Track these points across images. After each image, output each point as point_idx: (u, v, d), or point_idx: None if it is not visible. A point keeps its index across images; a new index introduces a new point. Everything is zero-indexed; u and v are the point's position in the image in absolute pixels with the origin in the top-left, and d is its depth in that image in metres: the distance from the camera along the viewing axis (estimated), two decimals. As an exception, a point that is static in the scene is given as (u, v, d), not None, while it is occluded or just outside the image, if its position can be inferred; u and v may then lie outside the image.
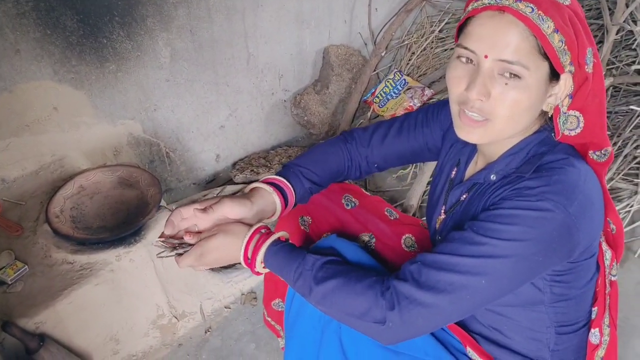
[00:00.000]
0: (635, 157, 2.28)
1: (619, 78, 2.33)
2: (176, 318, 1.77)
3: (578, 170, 0.97)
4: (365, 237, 1.39)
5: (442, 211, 1.20)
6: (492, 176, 1.05)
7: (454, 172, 1.21)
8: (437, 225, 1.21)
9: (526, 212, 0.91)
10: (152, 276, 1.65)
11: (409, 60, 2.49)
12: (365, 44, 2.48)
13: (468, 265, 0.92)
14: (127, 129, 1.98)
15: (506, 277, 0.93)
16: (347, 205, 1.40)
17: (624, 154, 2.27)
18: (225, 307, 1.87)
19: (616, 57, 2.49)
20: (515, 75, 0.92)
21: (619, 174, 2.23)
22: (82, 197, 1.72)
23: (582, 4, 2.78)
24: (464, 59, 0.96)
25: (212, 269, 1.86)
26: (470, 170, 1.17)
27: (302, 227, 1.36)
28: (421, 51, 2.49)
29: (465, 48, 0.95)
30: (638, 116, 2.32)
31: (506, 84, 0.92)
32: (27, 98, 1.70)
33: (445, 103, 1.27)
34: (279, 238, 1.07)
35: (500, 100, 0.93)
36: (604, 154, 1.04)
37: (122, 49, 1.82)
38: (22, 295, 1.49)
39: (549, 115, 1.02)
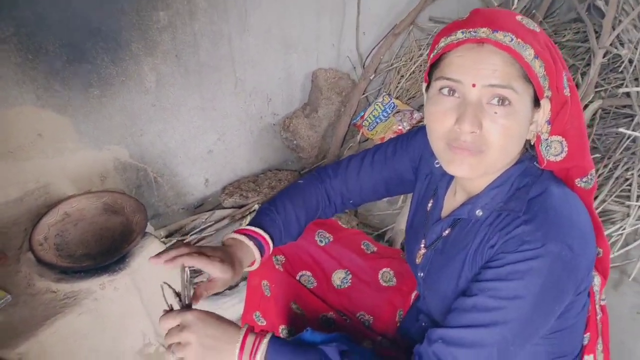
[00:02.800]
0: (626, 179, 2.28)
1: (608, 100, 2.34)
2: (164, 346, 1.72)
3: (567, 202, 0.97)
4: (341, 274, 1.36)
5: (422, 246, 1.17)
6: (477, 212, 1.02)
7: (430, 204, 1.18)
8: (418, 260, 1.18)
9: (537, 262, 0.88)
10: (137, 304, 1.61)
11: (398, 83, 2.49)
12: (354, 68, 2.48)
13: (493, 335, 0.90)
14: (113, 154, 1.96)
15: (530, 333, 0.93)
16: (321, 242, 1.37)
17: (615, 176, 2.27)
18: (213, 336, 1.82)
19: (604, 79, 2.50)
20: (504, 101, 0.90)
21: (610, 196, 2.22)
22: (66, 224, 1.69)
23: (569, 28, 2.81)
24: (446, 91, 0.94)
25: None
26: (449, 203, 1.14)
27: (277, 266, 1.33)
28: (410, 74, 2.49)
29: (449, 79, 0.92)
30: (627, 138, 2.32)
31: (495, 112, 0.90)
32: (9, 124, 1.68)
33: (414, 134, 1.25)
34: (273, 334, 0.99)
35: (493, 129, 0.91)
36: (591, 179, 1.04)
37: (107, 74, 1.80)
38: (4, 325, 1.44)
39: (531, 143, 1.00)
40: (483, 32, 0.90)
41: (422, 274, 1.17)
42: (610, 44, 2.29)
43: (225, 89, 2.11)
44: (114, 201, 1.76)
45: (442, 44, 0.95)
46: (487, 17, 0.92)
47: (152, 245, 1.63)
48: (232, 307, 1.85)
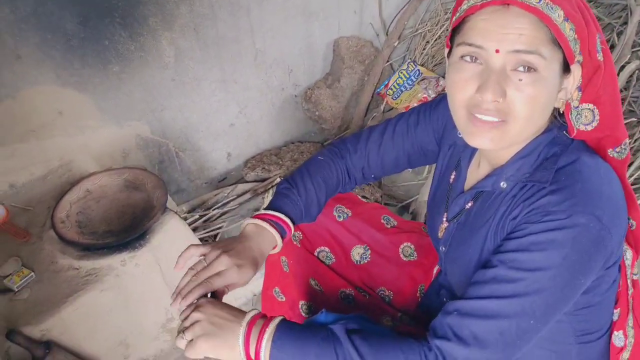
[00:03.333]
0: (663, 144, 2.16)
1: (646, 60, 2.21)
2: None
3: (598, 172, 0.90)
4: (360, 250, 1.33)
5: (445, 219, 1.12)
6: (502, 184, 0.96)
7: (452, 176, 1.13)
8: (440, 234, 1.13)
9: (561, 233, 0.83)
10: (159, 280, 1.63)
11: (423, 49, 2.41)
12: (377, 35, 2.41)
13: (513, 306, 0.85)
14: (135, 130, 1.97)
15: (553, 307, 0.87)
16: (339, 217, 1.33)
17: (653, 141, 2.16)
18: (237, 309, 1.84)
19: (643, 38, 2.36)
20: (530, 69, 0.84)
21: (646, 162, 2.11)
22: (88, 201, 1.71)
23: (605, -16, 2.65)
24: (468, 58, 0.87)
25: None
26: (473, 175, 1.08)
27: (295, 243, 1.31)
28: (435, 39, 2.40)
29: (471, 45, 0.86)
30: (667, 100, 2.20)
31: (520, 80, 0.84)
32: (30, 104, 1.70)
33: (437, 103, 1.18)
34: (283, 317, 0.96)
35: (518, 98, 0.84)
36: (624, 149, 0.97)
37: (125, 50, 1.79)
38: (28, 302, 1.48)
39: (560, 112, 0.94)
40: None
41: (444, 248, 1.13)
42: (650, 1, 2.15)
43: (245, 61, 2.08)
44: (135, 177, 1.77)
45: (464, 6, 0.88)
46: None
47: (172, 221, 1.64)
48: (255, 280, 1.85)
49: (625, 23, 2.25)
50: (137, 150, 2.00)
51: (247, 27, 2.02)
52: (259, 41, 2.08)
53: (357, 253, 1.33)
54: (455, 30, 0.91)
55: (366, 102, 2.33)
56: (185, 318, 0.94)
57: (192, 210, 2.05)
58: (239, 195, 2.09)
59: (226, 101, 2.13)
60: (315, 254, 1.35)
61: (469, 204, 1.05)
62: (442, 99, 1.18)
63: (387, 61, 2.36)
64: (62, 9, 1.61)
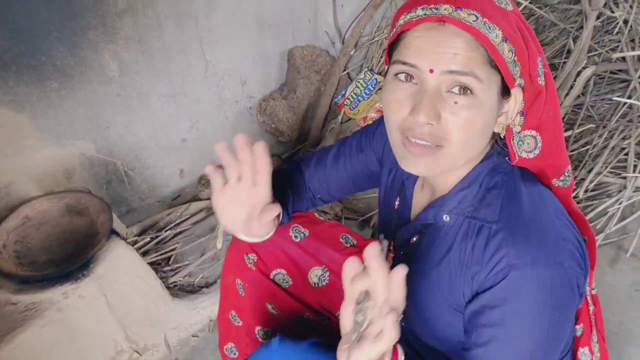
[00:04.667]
0: (622, 149, 2.17)
1: (602, 66, 2.21)
2: (138, 353, 1.65)
3: (546, 209, 0.87)
4: (318, 271, 1.26)
5: (391, 248, 1.08)
6: (445, 217, 0.92)
7: (397, 203, 1.08)
8: (389, 263, 1.09)
9: (535, 293, 0.80)
10: (105, 311, 1.52)
11: (381, 57, 2.36)
12: (333, 43, 2.35)
13: None
14: (78, 149, 1.85)
15: (552, 353, 0.87)
16: (296, 237, 1.26)
17: (610, 145, 2.17)
18: (193, 336, 1.75)
19: (598, 43, 2.37)
20: (466, 90, 0.79)
21: (606, 167, 2.12)
22: (27, 228, 1.59)
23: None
24: (402, 77, 0.82)
25: (177, 295, 1.74)
26: (417, 200, 1.04)
27: (249, 265, 1.24)
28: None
29: (405, 63, 0.81)
30: (623, 105, 2.20)
31: (456, 102, 0.79)
32: (-40, 125, 1.57)
33: (377, 124, 1.14)
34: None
35: (452, 122, 0.80)
36: (568, 177, 0.94)
37: (64, 65, 1.68)
38: (-41, 343, 1.36)
39: (501, 136, 0.89)
40: (445, 9, 0.78)
41: None
42: (604, 5, 2.15)
43: (195, 73, 1.99)
44: (78, 201, 1.66)
45: (401, 21, 0.83)
46: None
47: (118, 248, 1.54)
48: (211, 305, 1.76)
49: (581, 28, 2.25)
50: (82, 171, 1.89)
51: (195, 38, 1.93)
52: (208, 52, 1.99)
53: (315, 275, 1.27)
54: (392, 46, 0.86)
55: (323, 113, 2.27)
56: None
57: (143, 232, 1.95)
58: (192, 215, 2.00)
59: (176, 115, 2.03)
60: (271, 276, 1.27)
61: (414, 238, 1.00)
62: (378, 121, 1.15)
63: (344, 70, 2.30)
64: (-9, 23, 1.50)
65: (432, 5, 0.80)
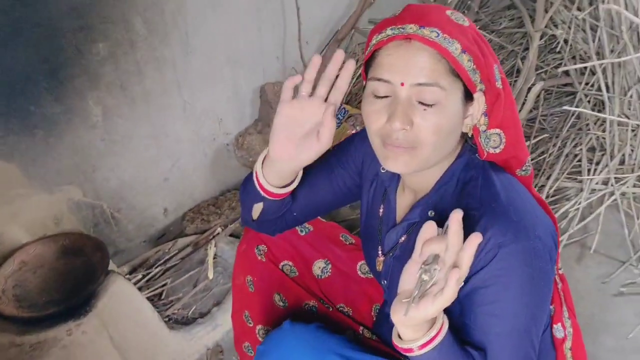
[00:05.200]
0: (576, 155, 2.35)
1: (549, 81, 2.42)
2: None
3: (519, 193, 1.00)
4: (321, 264, 1.36)
5: (380, 253, 1.18)
6: (430, 212, 1.03)
7: (381, 210, 1.19)
8: (379, 267, 1.19)
9: (520, 265, 0.92)
10: (108, 346, 1.56)
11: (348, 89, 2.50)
12: (301, 78, 2.48)
13: (514, 335, 0.95)
14: (66, 195, 1.91)
15: (539, 318, 0.98)
16: (302, 231, 1.37)
17: (564, 153, 2.34)
18: (192, 366, 1.79)
19: (543, 61, 2.58)
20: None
21: (563, 173, 2.29)
22: (24, 273, 1.63)
23: (504, 15, 2.88)
24: (379, 92, 0.95)
25: (173, 327, 1.78)
26: (401, 203, 1.15)
27: (259, 257, 1.33)
28: (357, 78, 2.51)
29: (379, 80, 0.94)
30: (572, 116, 2.40)
31: (425, 109, 0.92)
32: (-48, 177, 1.62)
33: (350, 141, 1.26)
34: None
35: (423, 127, 0.93)
36: (528, 167, 1.08)
37: (51, 113, 1.75)
38: (-32, 388, 1.39)
39: (469, 136, 1.03)
40: (410, 28, 0.92)
41: (385, 282, 1.18)
42: (545, 26, 2.36)
43: (174, 114, 2.09)
44: (72, 242, 1.71)
45: (373, 41, 0.97)
46: (416, 13, 0.94)
47: (116, 283, 1.59)
48: (207, 334, 1.82)
49: (527, 49, 2.45)
50: (70, 215, 1.94)
51: (173, 81, 2.03)
52: (186, 93, 2.09)
53: (319, 267, 1.37)
54: (368, 64, 0.99)
55: (297, 144, 2.38)
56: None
57: (133, 271, 2.00)
58: (180, 250, 2.06)
59: (158, 156, 2.11)
60: (280, 266, 1.37)
61: (403, 238, 1.10)
62: (353, 136, 1.27)
63: (313, 102, 2.42)
64: (-19, 77, 1.57)
65: (400, 26, 0.93)
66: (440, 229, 0.88)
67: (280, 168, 1.08)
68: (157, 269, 1.98)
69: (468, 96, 0.97)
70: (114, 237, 2.10)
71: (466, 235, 0.95)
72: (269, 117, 2.34)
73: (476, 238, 0.82)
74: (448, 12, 0.96)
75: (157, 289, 1.93)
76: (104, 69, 1.83)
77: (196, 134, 2.20)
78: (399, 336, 0.91)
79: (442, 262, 0.83)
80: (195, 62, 2.07)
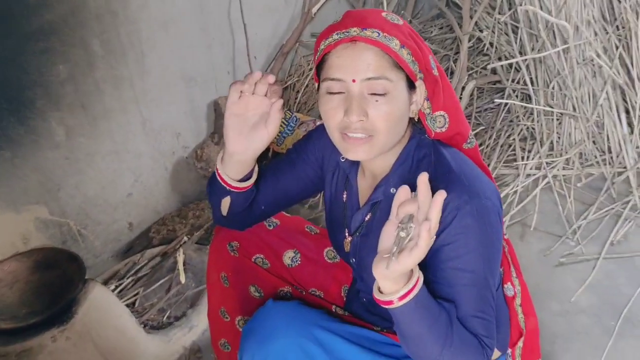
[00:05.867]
0: (510, 145, 2.57)
1: (480, 79, 2.64)
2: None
3: (465, 162, 1.14)
4: (291, 253, 1.47)
5: (347, 234, 1.29)
6: (392, 190, 1.15)
7: (344, 195, 1.30)
8: (347, 248, 1.30)
9: (474, 220, 1.04)
10: (91, 349, 1.61)
11: (296, 98, 2.66)
12: (252, 91, 2.61)
13: (475, 290, 1.07)
14: (33, 214, 1.95)
15: (493, 269, 1.11)
16: (269, 225, 1.47)
17: (500, 144, 2.56)
18: (171, 367, 1.85)
19: (473, 62, 2.81)
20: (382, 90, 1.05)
21: (500, 162, 2.49)
22: (1, 288, 1.66)
23: (434, 24, 3.12)
24: (333, 90, 1.07)
25: (150, 330, 1.85)
26: (362, 187, 1.27)
27: (232, 254, 1.43)
28: (304, 88, 2.66)
29: (333, 79, 1.07)
30: (503, 110, 2.62)
31: (377, 100, 1.05)
32: None
33: (308, 137, 1.38)
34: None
35: (377, 116, 1.05)
36: (472, 140, 1.23)
37: (15, 134, 1.81)
38: (-44, 402, 1.41)
39: (416, 120, 1.17)
40: (354, 31, 1.04)
41: (354, 259, 1.29)
42: (472, 30, 2.59)
43: (135, 131, 2.17)
44: (45, 257, 1.75)
45: (322, 46, 1.09)
46: (356, 17, 1.07)
47: (95, 289, 1.65)
48: (183, 336, 1.89)
49: (458, 52, 2.67)
50: (38, 234, 1.98)
51: (132, 98, 2.12)
52: (145, 110, 2.18)
53: (289, 257, 1.46)
54: (319, 67, 1.12)
55: (254, 153, 2.50)
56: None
57: (105, 283, 2.04)
58: (149, 260, 2.12)
59: (121, 171, 2.18)
60: (253, 260, 1.46)
61: (368, 216, 1.23)
62: (311, 133, 1.38)
63: (266, 113, 2.56)
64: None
65: (344, 30, 1.06)
66: (414, 192, 1.00)
67: (238, 160, 1.21)
68: (129, 280, 2.04)
69: (411, 85, 1.10)
70: (81, 253, 2.12)
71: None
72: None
73: (441, 195, 0.93)
74: (383, 14, 1.10)
75: (129, 298, 1.99)
76: (65, 90, 1.90)
77: (156, 149, 2.29)
78: (380, 290, 1.01)
79: (415, 220, 0.95)
80: (151, 80, 2.16)
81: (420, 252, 0.91)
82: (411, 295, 0.97)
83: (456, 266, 1.06)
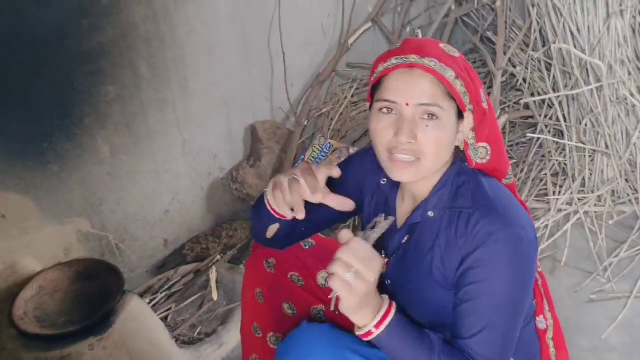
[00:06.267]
0: (541, 180, 2.58)
1: (513, 114, 2.67)
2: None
3: (504, 193, 1.17)
4: (325, 274, 1.48)
5: (384, 256, 1.30)
6: (430, 213, 1.18)
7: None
8: (383, 270, 1.30)
9: (506, 247, 1.07)
10: (126, 360, 1.66)
11: (330, 125, 2.72)
12: (288, 117, 2.69)
13: (500, 321, 1.10)
14: (76, 226, 2.03)
15: (522, 307, 1.13)
16: (305, 245, 1.50)
17: (531, 178, 2.57)
18: (201, 383, 1.89)
19: (506, 97, 2.85)
20: (433, 116, 1.09)
21: (531, 196, 2.50)
22: (42, 297, 1.73)
23: (468, 58, 3.17)
24: (385, 110, 1.12)
25: (182, 345, 1.89)
26: (400, 210, 1.29)
27: (268, 270, 1.46)
28: (339, 116, 2.73)
29: (387, 100, 1.11)
30: (535, 144, 2.64)
31: (427, 125, 1.09)
32: (-26, 210, 1.74)
33: (349, 161, 1.41)
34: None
35: (426, 140, 1.09)
36: (510, 176, 1.26)
37: (63, 150, 1.90)
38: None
39: (460, 150, 1.20)
40: (413, 58, 1.10)
41: (389, 282, 1.33)
42: (505, 66, 2.63)
43: (175, 152, 2.25)
44: (86, 268, 1.82)
45: (380, 68, 1.14)
46: (415, 46, 1.13)
47: (133, 301, 1.70)
48: (214, 352, 1.93)
49: (491, 87, 2.71)
50: (79, 246, 2.06)
51: (174, 121, 2.20)
52: (185, 132, 2.26)
53: (322, 277, 1.49)
54: (374, 88, 1.17)
55: (287, 177, 2.56)
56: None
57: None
58: (183, 276, 2.18)
59: (160, 190, 2.26)
60: (288, 277, 1.49)
61: (405, 238, 1.26)
62: (352, 157, 1.43)
63: (300, 139, 2.63)
64: (1, 114, 1.72)
65: (403, 56, 1.11)
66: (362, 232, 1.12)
67: None
68: (162, 295, 2.09)
69: (460, 115, 1.14)
70: (118, 267, 2.21)
71: (462, 228, 1.12)
72: (260, 153, 2.52)
73: (344, 234, 1.06)
74: (441, 45, 1.15)
75: (162, 312, 2.04)
76: (112, 110, 1.99)
77: (194, 169, 2.36)
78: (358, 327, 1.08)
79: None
80: (193, 103, 2.25)
81: (344, 300, 1.02)
82: (388, 319, 1.07)
83: (480, 291, 1.09)
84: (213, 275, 2.11)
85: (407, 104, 1.09)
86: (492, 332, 1.09)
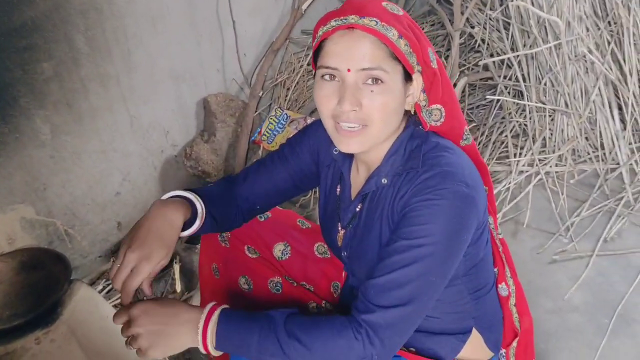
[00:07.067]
0: (502, 142, 2.55)
1: (472, 76, 2.62)
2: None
3: (455, 153, 1.12)
4: (281, 246, 1.45)
5: (340, 228, 1.27)
6: (383, 180, 1.14)
7: (338, 189, 1.29)
8: (339, 242, 1.29)
9: (439, 202, 1.02)
10: (77, 351, 1.58)
11: (286, 95, 2.63)
12: (242, 88, 2.59)
13: (415, 271, 1.02)
14: (19, 214, 1.92)
15: (447, 263, 1.06)
16: (261, 218, 1.46)
17: (492, 140, 2.54)
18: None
19: (465, 59, 2.79)
20: (377, 80, 1.03)
21: (492, 159, 2.48)
22: (-16, 291, 1.63)
23: (425, 21, 3.10)
24: (327, 77, 1.06)
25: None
26: (355, 181, 1.25)
27: (223, 244, 1.41)
28: (295, 85, 2.64)
29: (327, 67, 1.05)
30: (495, 106, 2.61)
31: (372, 91, 1.03)
32: None
33: (304, 131, 1.36)
34: (226, 306, 1.08)
35: (371, 106, 1.04)
36: (468, 136, 1.20)
37: (-1, 133, 1.78)
38: (-62, 406, 1.38)
39: (412, 113, 1.15)
40: (352, 18, 1.03)
41: (346, 253, 1.28)
42: (463, 27, 2.57)
43: (122, 129, 2.14)
44: (31, 257, 1.72)
45: (320, 32, 1.08)
46: (355, 5, 1.06)
47: (81, 290, 1.62)
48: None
49: (449, 49, 2.65)
50: (24, 234, 1.95)
51: (119, 96, 2.09)
52: (132, 108, 2.15)
53: (279, 250, 1.45)
54: (316, 54, 1.10)
55: (244, 151, 2.47)
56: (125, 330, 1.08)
57: (92, 284, 2.02)
58: (138, 260, 2.09)
59: (109, 170, 2.15)
60: (245, 250, 1.45)
61: (359, 207, 1.21)
62: (306, 128, 1.37)
63: (256, 111, 2.53)
64: None
65: (342, 17, 1.05)
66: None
67: None
68: (117, 280, 2.00)
69: (407, 77, 1.08)
70: (68, 254, 2.10)
71: (406, 183, 1.07)
72: (214, 127, 2.42)
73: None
74: (384, 3, 1.08)
75: (118, 298, 1.96)
76: (49, 88, 1.87)
77: (144, 147, 2.26)
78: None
79: None
80: (138, 77, 2.13)
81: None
82: (211, 324, 1.03)
83: (402, 235, 1.04)
84: (177, 266, 2.02)
85: (349, 70, 1.03)
86: (400, 278, 1.02)
